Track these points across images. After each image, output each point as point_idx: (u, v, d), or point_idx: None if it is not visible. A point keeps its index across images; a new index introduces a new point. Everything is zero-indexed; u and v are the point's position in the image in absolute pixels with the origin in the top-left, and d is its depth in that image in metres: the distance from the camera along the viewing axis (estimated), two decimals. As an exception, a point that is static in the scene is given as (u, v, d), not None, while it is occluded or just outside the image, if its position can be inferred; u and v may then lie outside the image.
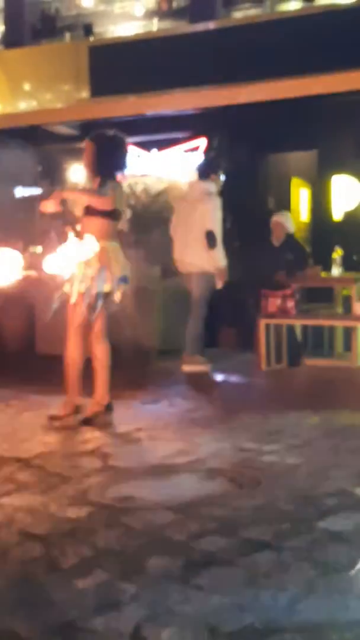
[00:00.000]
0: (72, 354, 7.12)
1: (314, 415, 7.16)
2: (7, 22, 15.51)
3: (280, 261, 9.98)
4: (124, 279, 7.03)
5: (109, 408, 7.18)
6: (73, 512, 4.62)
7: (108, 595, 3.52)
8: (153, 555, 3.93)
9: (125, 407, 7.67)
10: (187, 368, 9.43)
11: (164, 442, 6.27)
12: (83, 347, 7.15)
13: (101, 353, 7.16)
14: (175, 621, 3.25)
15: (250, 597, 3.44)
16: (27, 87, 14.34)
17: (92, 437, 6.48)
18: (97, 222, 7.01)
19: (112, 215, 7.00)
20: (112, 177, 7.07)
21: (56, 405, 7.64)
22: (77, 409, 7.14)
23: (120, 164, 7.20)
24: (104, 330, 7.18)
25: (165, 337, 10.42)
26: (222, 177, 10.33)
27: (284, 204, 12.32)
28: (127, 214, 8.90)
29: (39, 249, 13.06)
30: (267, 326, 9.65)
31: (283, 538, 4.11)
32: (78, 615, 3.33)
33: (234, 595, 3.46)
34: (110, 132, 7.25)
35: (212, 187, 9.78)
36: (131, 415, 7.37)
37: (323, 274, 10.12)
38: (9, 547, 4.14)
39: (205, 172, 10.16)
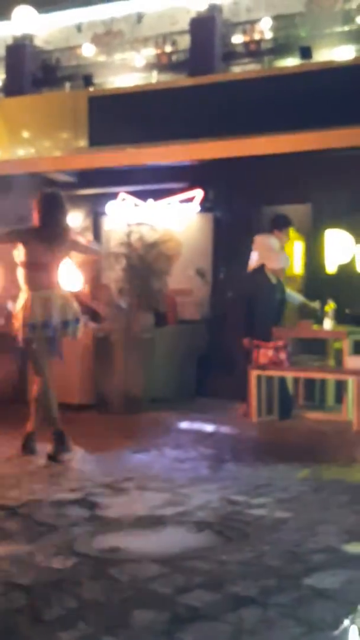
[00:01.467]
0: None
1: (304, 468, 7.15)
2: (8, 71, 15.67)
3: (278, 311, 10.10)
4: (65, 324, 7.68)
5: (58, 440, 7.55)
6: (59, 563, 4.59)
7: (91, 649, 3.49)
8: (138, 608, 3.90)
9: (115, 456, 7.66)
10: None
11: (152, 493, 6.25)
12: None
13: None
14: None
15: (234, 654, 3.41)
16: (26, 134, 14.45)
17: (80, 485, 6.45)
18: (21, 272, 7.75)
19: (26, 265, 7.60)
20: (52, 230, 7.61)
21: (43, 452, 7.64)
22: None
23: (57, 218, 7.71)
24: (34, 369, 7.91)
25: (157, 385, 10.41)
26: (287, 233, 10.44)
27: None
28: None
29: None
30: (259, 377, 9.65)
31: (269, 594, 4.08)
32: (60, 669, 3.31)
33: (219, 651, 3.44)
34: (49, 190, 8.01)
35: (274, 243, 10.08)
36: (120, 464, 7.36)
37: (315, 327, 10.15)
38: (-7, 597, 4.11)
39: (270, 226, 10.38)
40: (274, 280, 10.06)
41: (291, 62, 13.62)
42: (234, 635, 3.61)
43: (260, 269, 10.09)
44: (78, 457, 7.65)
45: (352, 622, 3.71)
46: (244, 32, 13.99)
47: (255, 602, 3.98)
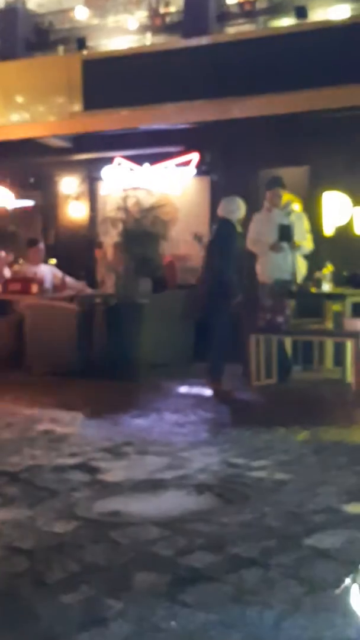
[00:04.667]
0: None
1: (303, 430, 7.16)
2: (0, 35, 15.52)
3: None
4: None
5: None
6: (60, 527, 4.60)
7: (94, 611, 3.50)
8: (140, 571, 3.91)
9: (114, 420, 7.67)
10: None
11: (152, 457, 6.26)
12: None
13: None
14: (161, 638, 3.24)
15: (236, 614, 3.43)
16: (20, 99, 14.34)
17: (80, 450, 6.46)
18: None
19: None
20: None
21: (43, 418, 7.66)
22: None
23: None
24: None
25: (155, 350, 10.41)
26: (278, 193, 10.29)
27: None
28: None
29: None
30: (257, 341, 9.64)
31: (270, 555, 4.10)
32: (63, 631, 3.32)
33: (220, 612, 3.45)
34: None
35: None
36: (120, 428, 7.36)
37: (313, 290, 10.13)
38: (-6, 561, 4.12)
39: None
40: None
41: (286, 22, 13.49)
42: (236, 595, 3.62)
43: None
44: (78, 422, 7.66)
45: (353, 581, 3.72)
46: (240, -8, 13.86)
47: (256, 562, 3.99)
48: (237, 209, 9.73)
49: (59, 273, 12.04)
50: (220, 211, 9.87)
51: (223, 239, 9.59)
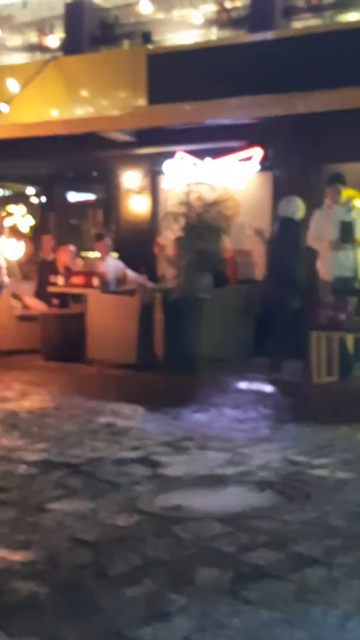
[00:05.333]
0: None
1: (365, 429, 7.10)
2: (67, 30, 15.59)
3: None
4: None
5: None
6: (122, 520, 4.63)
7: (157, 606, 3.52)
8: (202, 566, 3.92)
9: (174, 415, 7.68)
10: None
11: (213, 452, 6.26)
12: None
13: None
14: (224, 634, 3.24)
15: (300, 613, 3.41)
16: (84, 93, 14.38)
17: (141, 444, 6.48)
18: None
19: None
20: None
21: (105, 411, 7.71)
22: None
23: None
24: None
25: (215, 345, 10.39)
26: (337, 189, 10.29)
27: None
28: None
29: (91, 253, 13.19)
30: (319, 338, 9.57)
31: (333, 554, 4.07)
32: (126, 624, 3.34)
33: (284, 610, 3.44)
34: None
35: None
36: (180, 423, 7.38)
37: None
38: (58, 552, 4.16)
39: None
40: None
41: (353, 16, 13.34)
42: (299, 594, 3.61)
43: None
44: (139, 416, 7.69)
45: None
46: (306, -14, 13.75)
47: (319, 561, 3.97)
48: (297, 208, 9.91)
49: (122, 267, 12.11)
50: (281, 211, 9.94)
51: (288, 237, 9.71)
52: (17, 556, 4.07)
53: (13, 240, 13.38)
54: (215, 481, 5.45)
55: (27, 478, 5.52)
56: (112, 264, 12.06)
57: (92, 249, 14.64)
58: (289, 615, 3.39)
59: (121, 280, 11.84)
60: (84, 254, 14.11)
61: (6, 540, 4.31)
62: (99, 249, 12.27)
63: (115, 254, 13.00)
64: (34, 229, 16.30)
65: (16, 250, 13.13)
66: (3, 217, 13.23)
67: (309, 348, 9.57)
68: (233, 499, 5.10)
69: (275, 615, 3.38)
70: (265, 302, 10.23)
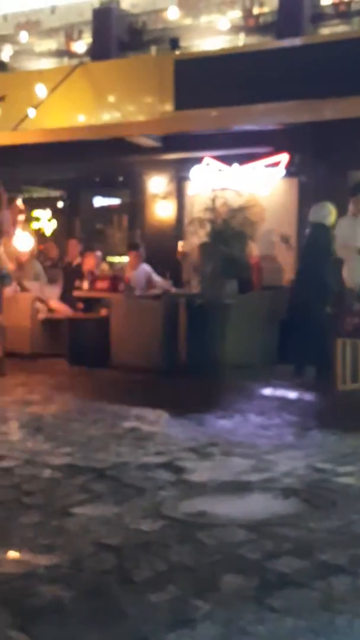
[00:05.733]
0: None
1: (390, 437, 7.05)
2: (95, 35, 15.68)
3: None
4: None
5: None
6: (147, 525, 4.62)
7: (181, 612, 3.51)
8: (227, 573, 3.91)
9: (198, 420, 7.66)
10: None
11: (237, 458, 6.24)
12: None
13: None
14: (249, 642, 3.23)
15: (325, 622, 3.40)
16: (111, 98, 14.46)
17: (166, 449, 6.48)
18: None
19: None
20: None
21: (129, 415, 7.72)
22: None
23: None
24: None
25: (239, 351, 10.38)
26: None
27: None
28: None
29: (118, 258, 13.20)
30: (344, 345, 9.53)
31: (359, 563, 4.05)
32: (151, 630, 3.34)
33: (309, 618, 3.42)
34: None
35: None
36: (205, 429, 7.36)
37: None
38: (82, 556, 4.16)
39: None
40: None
41: (381, 23, 13.34)
42: (324, 602, 3.59)
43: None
44: (163, 421, 7.69)
45: None
46: (334, -7, 13.73)
47: (345, 570, 3.95)
48: (328, 214, 9.92)
49: (149, 271, 12.12)
50: (312, 216, 9.94)
51: (320, 243, 9.73)
52: (42, 560, 4.08)
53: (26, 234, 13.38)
54: (239, 487, 5.44)
55: (52, 482, 5.53)
56: (141, 271, 12.08)
57: (117, 254, 14.70)
58: (313, 623, 3.37)
59: (147, 285, 11.86)
60: (109, 258, 14.15)
61: (31, 544, 4.32)
62: (133, 258, 12.24)
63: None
64: (58, 233, 16.38)
65: (25, 243, 13.09)
66: (16, 212, 13.24)
67: (334, 355, 9.54)
68: (257, 505, 5.08)
69: (300, 623, 3.37)
70: (293, 308, 10.22)
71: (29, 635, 3.30)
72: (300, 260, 10.34)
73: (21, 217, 12.93)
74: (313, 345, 9.75)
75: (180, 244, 12.70)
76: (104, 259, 13.18)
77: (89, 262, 12.10)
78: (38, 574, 3.93)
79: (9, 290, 11.33)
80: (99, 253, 12.49)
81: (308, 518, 4.80)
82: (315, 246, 10.00)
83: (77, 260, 12.55)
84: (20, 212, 12.80)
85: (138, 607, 3.55)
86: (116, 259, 14.58)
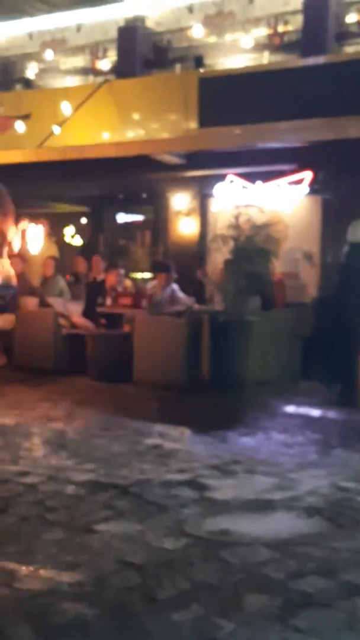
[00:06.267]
0: None
1: None
2: (120, 53, 15.77)
3: None
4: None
5: None
6: (170, 543, 4.61)
7: (205, 631, 3.50)
8: (251, 592, 3.89)
9: (221, 437, 7.65)
10: None
11: (260, 476, 6.22)
12: None
13: None
14: (273, 662, 3.21)
15: (350, 643, 3.37)
16: (136, 116, 14.54)
17: (189, 466, 6.47)
18: None
19: None
20: None
21: (152, 432, 7.71)
22: None
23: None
24: None
25: (262, 369, 10.36)
26: None
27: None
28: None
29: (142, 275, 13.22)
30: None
31: (384, 583, 4.02)
32: (174, 649, 3.32)
33: (333, 639, 3.40)
34: None
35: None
36: (228, 446, 7.34)
37: None
38: (105, 574, 4.15)
39: None
40: None
41: None
42: (349, 623, 3.56)
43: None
44: (186, 438, 7.68)
45: None
46: (358, 11, 13.73)
47: (370, 591, 3.92)
48: None
49: (176, 291, 12.12)
50: (351, 235, 9.90)
51: (356, 262, 9.71)
52: (65, 577, 4.08)
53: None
54: (263, 506, 5.42)
55: (75, 498, 5.53)
56: (169, 293, 12.09)
57: (140, 270, 14.73)
58: (338, 644, 3.35)
59: (171, 302, 11.88)
60: (132, 274, 14.20)
61: (54, 561, 4.32)
62: (162, 280, 12.17)
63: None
64: (82, 249, 16.45)
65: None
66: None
67: (357, 372, 9.51)
68: (281, 524, 5.06)
69: (324, 644, 3.35)
70: (326, 326, 10.21)
71: (52, 653, 3.29)
72: (338, 279, 10.26)
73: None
74: (342, 364, 9.71)
75: (205, 267, 12.72)
76: (127, 275, 13.22)
77: (112, 279, 12.13)
78: (61, 591, 3.93)
79: (32, 304, 11.43)
80: (122, 271, 12.51)
81: (332, 537, 4.77)
82: (350, 266, 9.92)
83: (101, 276, 12.60)
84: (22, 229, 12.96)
85: (161, 626, 3.54)
86: (139, 275, 14.62)
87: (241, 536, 4.76)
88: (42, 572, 4.17)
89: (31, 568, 4.22)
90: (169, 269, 12.31)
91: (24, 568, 4.21)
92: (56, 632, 3.49)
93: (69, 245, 16.24)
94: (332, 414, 9.04)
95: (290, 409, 9.35)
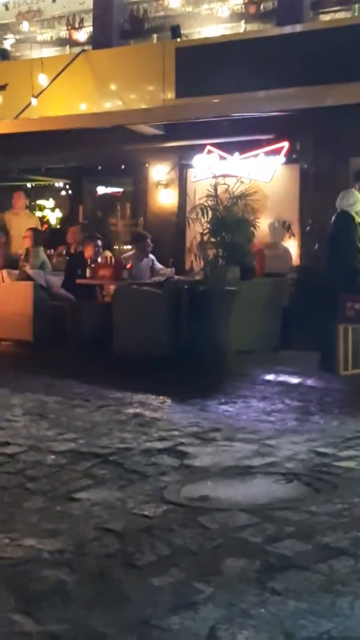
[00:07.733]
0: None
1: (392, 422, 7.08)
2: (96, 23, 15.61)
3: None
4: None
5: None
6: (150, 510, 4.66)
7: (184, 595, 3.54)
8: (229, 556, 3.94)
9: (201, 406, 7.71)
10: None
11: (240, 443, 6.28)
12: None
13: None
14: (251, 624, 3.26)
15: (327, 604, 3.42)
16: (113, 87, 14.44)
17: (169, 435, 6.52)
18: None
19: None
20: None
21: (132, 402, 7.76)
22: None
23: None
24: None
25: (241, 338, 10.40)
26: None
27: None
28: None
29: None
30: (346, 330, 9.56)
31: (360, 546, 4.08)
32: (153, 614, 3.36)
33: (311, 601, 3.45)
34: None
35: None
36: (207, 414, 7.40)
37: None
38: (85, 541, 4.20)
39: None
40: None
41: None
42: (326, 585, 3.62)
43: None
44: (166, 407, 7.73)
45: None
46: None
47: (346, 553, 3.98)
48: (355, 201, 9.90)
49: (155, 262, 12.13)
50: (339, 204, 9.93)
51: (345, 231, 9.74)
52: (46, 545, 4.12)
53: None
54: (242, 472, 5.48)
55: (56, 468, 5.57)
56: (148, 264, 12.08)
57: (120, 242, 14.71)
58: (315, 606, 3.40)
59: (150, 272, 11.88)
60: (112, 246, 14.17)
61: (35, 529, 4.36)
62: (139, 250, 12.19)
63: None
64: (62, 221, 16.40)
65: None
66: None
67: (336, 340, 9.56)
68: (260, 490, 5.12)
69: (301, 606, 3.39)
70: (306, 294, 10.28)
71: (33, 619, 3.33)
72: (327, 247, 10.28)
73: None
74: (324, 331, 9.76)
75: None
76: (107, 247, 13.18)
77: (90, 250, 12.09)
78: (42, 558, 3.97)
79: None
80: (99, 242, 12.46)
81: (310, 502, 4.83)
82: (338, 235, 9.95)
83: (80, 248, 12.55)
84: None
85: (141, 591, 3.59)
86: (119, 247, 14.60)
87: (220, 502, 4.82)
88: (23, 540, 4.20)
89: (12, 536, 4.25)
90: (145, 239, 12.32)
91: (4, 536, 4.25)
92: (37, 599, 3.52)
93: (44, 218, 16.18)
94: (311, 382, 9.11)
95: (270, 377, 9.42)
